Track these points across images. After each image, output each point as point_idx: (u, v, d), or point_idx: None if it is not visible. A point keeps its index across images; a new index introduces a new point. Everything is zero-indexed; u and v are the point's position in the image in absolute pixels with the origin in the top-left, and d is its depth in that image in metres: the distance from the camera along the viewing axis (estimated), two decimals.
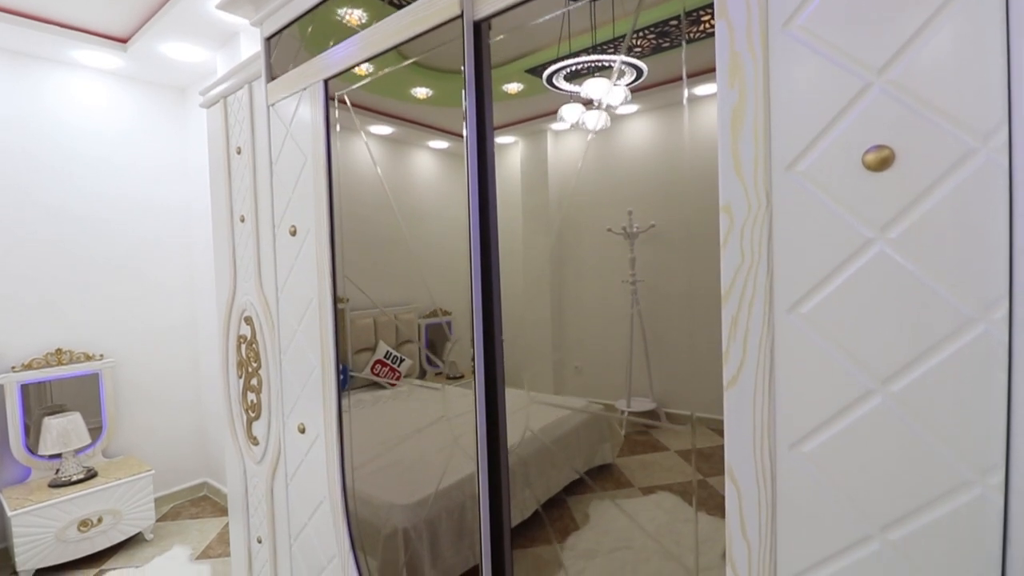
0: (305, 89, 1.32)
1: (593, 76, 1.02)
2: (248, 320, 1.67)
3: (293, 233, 1.39)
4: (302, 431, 1.43)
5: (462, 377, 1.23)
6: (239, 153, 1.62)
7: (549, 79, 1.07)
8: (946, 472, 0.61)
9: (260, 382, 1.63)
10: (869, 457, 0.65)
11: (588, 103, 1.04)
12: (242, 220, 1.64)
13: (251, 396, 1.69)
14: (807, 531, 0.70)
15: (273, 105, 1.44)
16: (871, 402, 0.65)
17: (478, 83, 1.07)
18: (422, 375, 1.42)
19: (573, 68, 1.04)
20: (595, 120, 1.07)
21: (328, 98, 1.27)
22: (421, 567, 1.34)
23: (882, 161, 0.62)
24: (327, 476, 1.35)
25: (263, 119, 1.48)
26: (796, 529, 0.71)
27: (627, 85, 1.01)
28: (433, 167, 1.30)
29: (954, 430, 0.60)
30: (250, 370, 1.68)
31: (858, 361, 0.65)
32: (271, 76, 1.43)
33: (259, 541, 1.70)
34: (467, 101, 1.08)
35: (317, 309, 1.33)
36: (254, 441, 1.69)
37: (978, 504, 0.59)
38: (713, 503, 0.87)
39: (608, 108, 1.01)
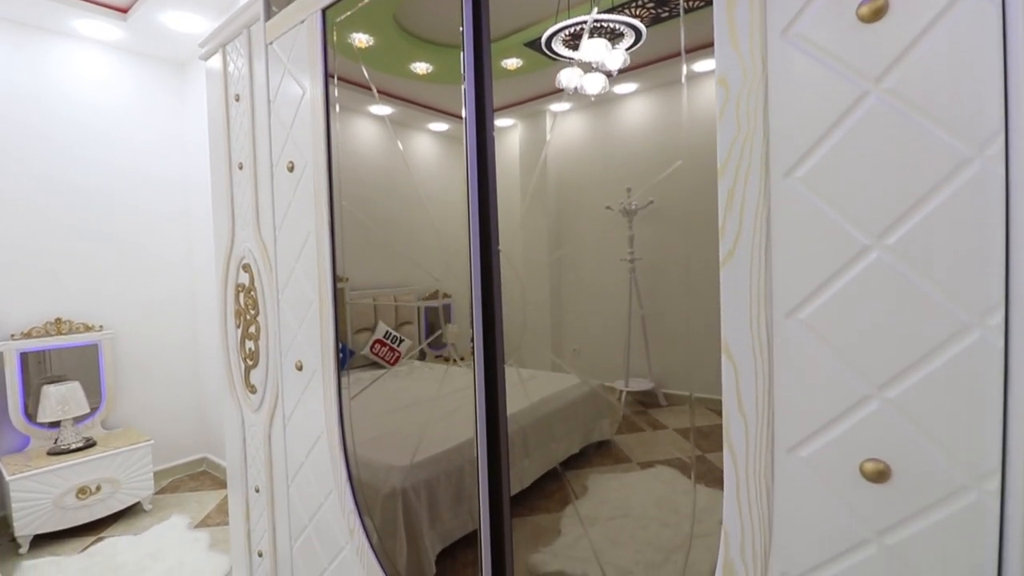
0: (303, 22, 1.32)
1: (592, 38, 1.02)
2: (246, 268, 1.66)
3: (291, 169, 1.39)
4: (299, 368, 1.43)
5: (462, 359, 1.23)
6: (237, 100, 1.63)
7: (548, 43, 1.07)
8: (944, 319, 0.60)
9: (258, 329, 1.63)
10: (866, 315, 0.65)
11: (588, 68, 1.03)
12: (240, 167, 1.64)
13: (249, 344, 1.68)
14: (804, 400, 0.70)
15: (271, 43, 1.44)
16: (867, 258, 0.64)
17: (476, 42, 1.07)
18: (422, 357, 1.43)
19: (572, 31, 1.04)
20: (594, 84, 1.07)
21: (325, 27, 1.28)
22: (419, 528, 1.33)
23: (876, 11, 0.62)
24: (324, 410, 1.34)
25: (261, 61, 1.48)
26: (793, 399, 0.70)
27: (626, 49, 1.01)
28: (433, 150, 1.30)
29: (951, 275, 0.60)
30: (248, 318, 1.68)
31: (854, 217, 0.65)
32: (269, 15, 1.44)
33: (256, 491, 1.69)
34: (465, 63, 1.07)
35: (315, 242, 1.33)
36: (252, 389, 1.68)
37: (977, 348, 0.59)
38: (712, 476, 0.86)
39: (607, 72, 1.01)
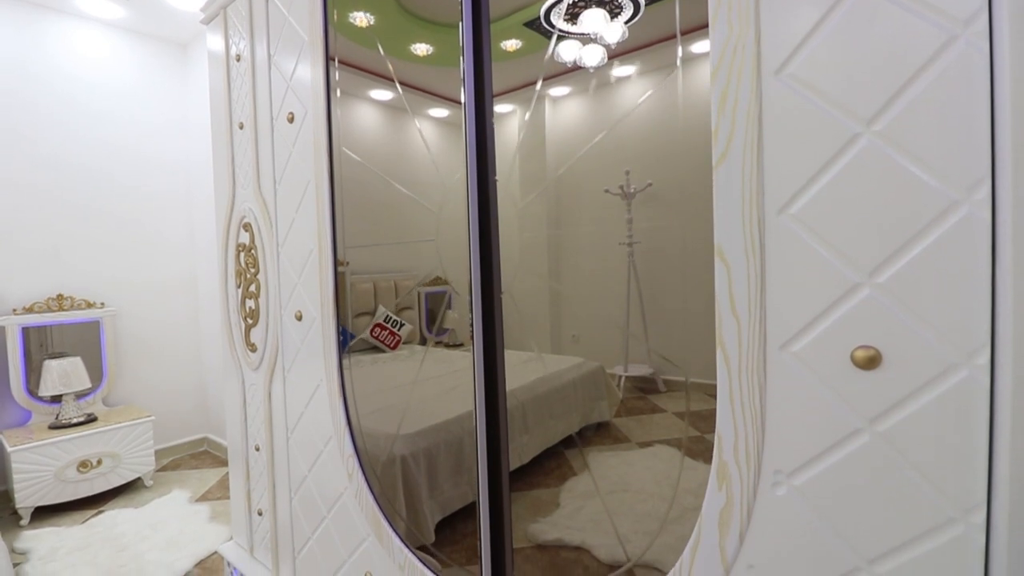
0: None
1: (591, 7, 1.02)
2: (247, 227, 1.68)
3: (291, 120, 1.41)
4: (299, 318, 1.44)
5: (462, 345, 1.24)
6: (238, 61, 1.64)
7: (547, 17, 1.08)
8: (932, 199, 0.61)
9: (258, 287, 1.64)
10: (856, 203, 0.66)
11: (587, 41, 1.04)
12: (241, 127, 1.66)
13: (249, 303, 1.69)
14: (796, 295, 0.70)
15: None
16: (857, 145, 0.65)
17: (475, 20, 1.08)
18: (422, 342, 1.43)
19: (571, 4, 1.04)
20: (592, 56, 1.09)
21: None
22: (419, 495, 1.34)
23: None
24: (324, 357, 1.35)
25: (262, 16, 1.50)
26: (785, 295, 0.71)
27: (625, 23, 1.02)
28: (433, 135, 1.30)
29: (938, 154, 0.60)
30: (248, 277, 1.69)
31: (843, 105, 0.66)
32: None
33: (257, 449, 1.70)
34: (464, 40, 1.08)
35: (314, 190, 1.34)
36: (252, 348, 1.69)
37: (965, 224, 0.59)
38: (709, 455, 0.87)
39: (606, 45, 1.02)
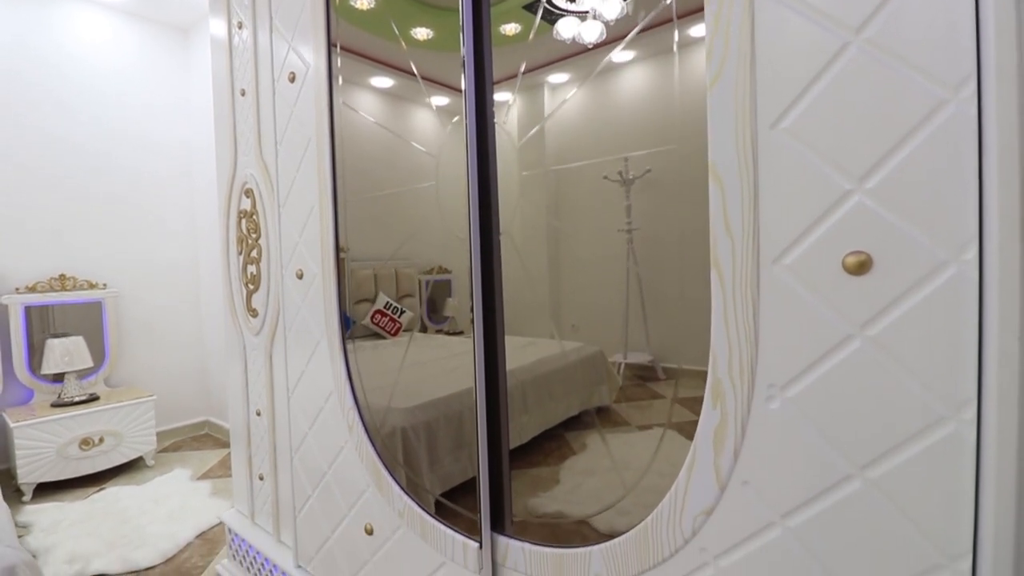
0: None
1: None
2: (248, 192, 1.69)
3: (292, 80, 1.42)
4: (300, 276, 1.45)
5: (462, 333, 1.25)
6: (240, 28, 1.66)
7: None
8: (921, 100, 0.62)
9: (260, 252, 1.66)
10: (846, 109, 0.67)
11: (585, 18, 1.05)
12: (243, 94, 1.67)
13: (251, 269, 1.71)
14: (787, 208, 0.71)
15: None
16: (847, 54, 0.66)
17: (476, 6, 1.09)
18: (423, 330, 1.45)
19: None
20: (591, 32, 1.10)
21: None
22: (419, 467, 1.35)
23: None
24: (324, 313, 1.36)
25: None
26: (777, 209, 0.72)
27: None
28: (433, 124, 1.31)
29: (925, 56, 0.61)
30: (250, 242, 1.70)
31: (831, 16, 0.67)
32: None
33: (258, 414, 1.71)
34: (464, 22, 1.09)
35: (315, 147, 1.35)
36: (253, 313, 1.70)
37: (953, 122, 0.60)
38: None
39: (605, 22, 1.03)
